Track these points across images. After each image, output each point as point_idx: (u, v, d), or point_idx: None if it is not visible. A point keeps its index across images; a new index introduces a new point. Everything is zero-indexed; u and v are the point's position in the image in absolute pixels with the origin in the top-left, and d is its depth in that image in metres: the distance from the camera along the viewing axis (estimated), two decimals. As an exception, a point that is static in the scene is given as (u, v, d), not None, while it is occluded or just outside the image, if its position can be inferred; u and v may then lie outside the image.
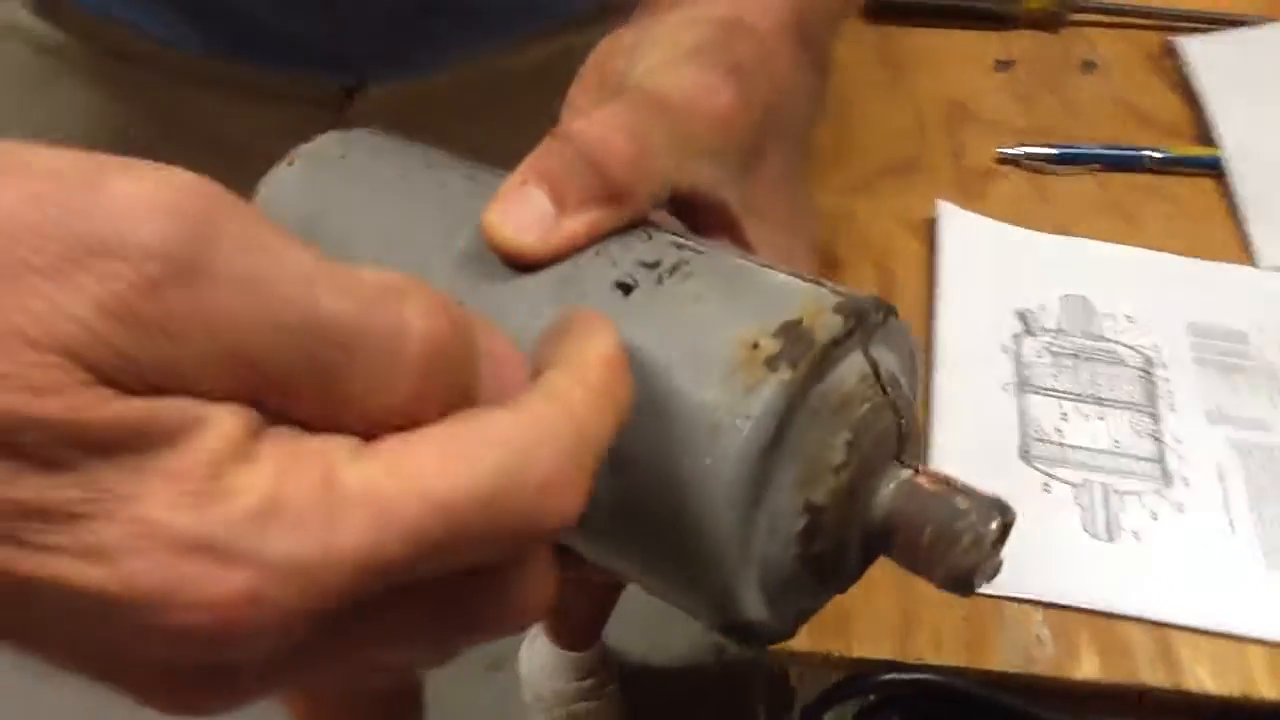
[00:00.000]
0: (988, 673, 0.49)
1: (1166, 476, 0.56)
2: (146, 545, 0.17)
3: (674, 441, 0.24)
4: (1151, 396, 0.60)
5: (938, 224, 0.66)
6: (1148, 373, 0.61)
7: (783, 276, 0.27)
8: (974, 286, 0.64)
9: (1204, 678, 0.49)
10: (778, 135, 0.32)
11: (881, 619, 0.50)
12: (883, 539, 0.26)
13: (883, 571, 0.27)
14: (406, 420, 0.19)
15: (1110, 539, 0.54)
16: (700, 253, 0.27)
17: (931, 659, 0.50)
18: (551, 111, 0.32)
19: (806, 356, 0.24)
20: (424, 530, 0.18)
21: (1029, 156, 0.71)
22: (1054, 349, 0.61)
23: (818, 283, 0.26)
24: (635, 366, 0.24)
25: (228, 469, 0.18)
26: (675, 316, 0.26)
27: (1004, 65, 0.77)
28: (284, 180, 0.31)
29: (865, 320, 0.26)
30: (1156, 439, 0.58)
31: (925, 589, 0.26)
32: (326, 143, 0.32)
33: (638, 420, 0.23)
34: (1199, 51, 0.78)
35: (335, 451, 0.19)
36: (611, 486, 0.24)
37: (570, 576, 0.25)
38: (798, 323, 0.25)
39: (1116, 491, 0.56)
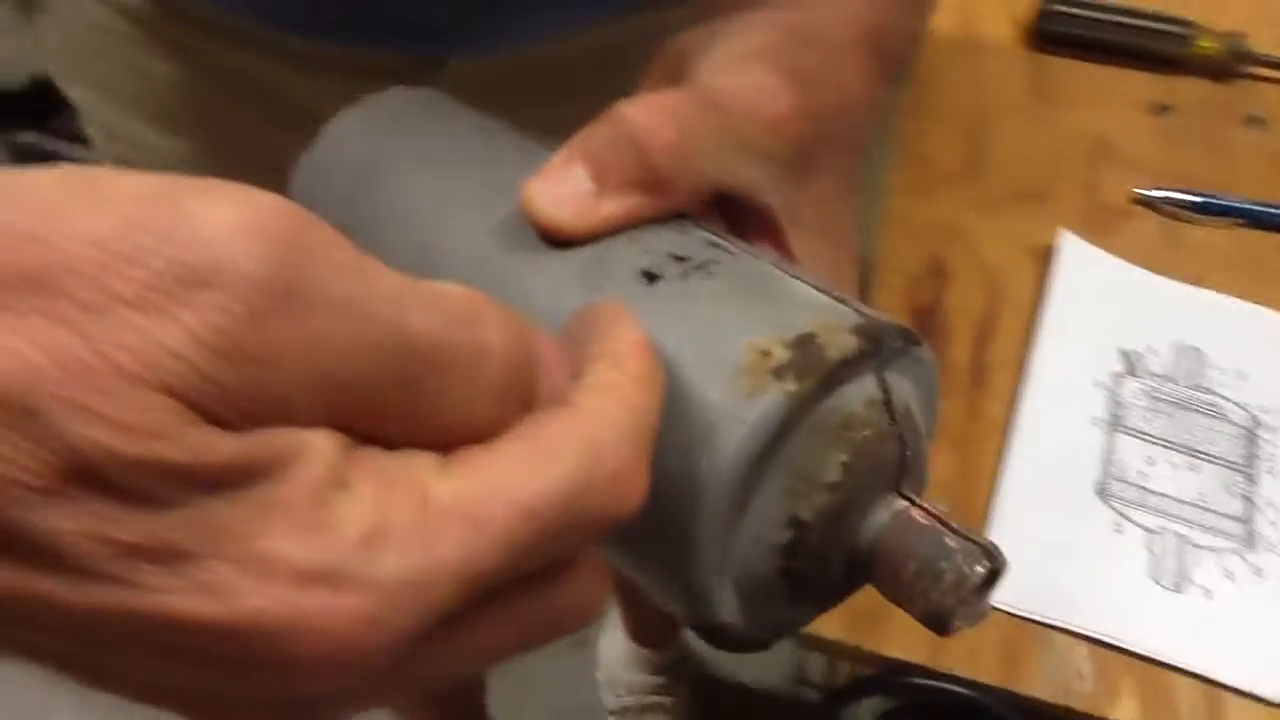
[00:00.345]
0: (1019, 696, 0.48)
1: (1251, 539, 0.54)
2: (263, 580, 0.17)
3: (672, 434, 0.24)
4: (1251, 457, 0.57)
5: (1057, 253, 0.65)
6: (1252, 433, 0.58)
7: (810, 289, 0.26)
8: (1082, 318, 0.62)
9: (1250, 744, 0.47)
10: (835, 147, 0.31)
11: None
12: (867, 566, 0.25)
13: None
14: (480, 433, 0.20)
15: (1177, 589, 0.52)
16: (732, 254, 0.27)
17: (963, 672, 0.49)
18: (622, 96, 0.32)
19: (814, 371, 0.24)
20: (514, 535, 0.19)
21: (1167, 201, 0.69)
22: (1155, 394, 0.60)
23: (844, 301, 0.26)
24: None
25: (330, 496, 0.18)
26: (694, 312, 0.25)
27: (1161, 109, 0.75)
28: (345, 124, 0.32)
29: (883, 345, 0.25)
30: (1249, 500, 0.56)
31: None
32: (392, 96, 0.33)
33: None
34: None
35: (424, 469, 0.19)
36: None
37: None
38: (812, 337, 0.24)
39: (1193, 545, 0.54)
